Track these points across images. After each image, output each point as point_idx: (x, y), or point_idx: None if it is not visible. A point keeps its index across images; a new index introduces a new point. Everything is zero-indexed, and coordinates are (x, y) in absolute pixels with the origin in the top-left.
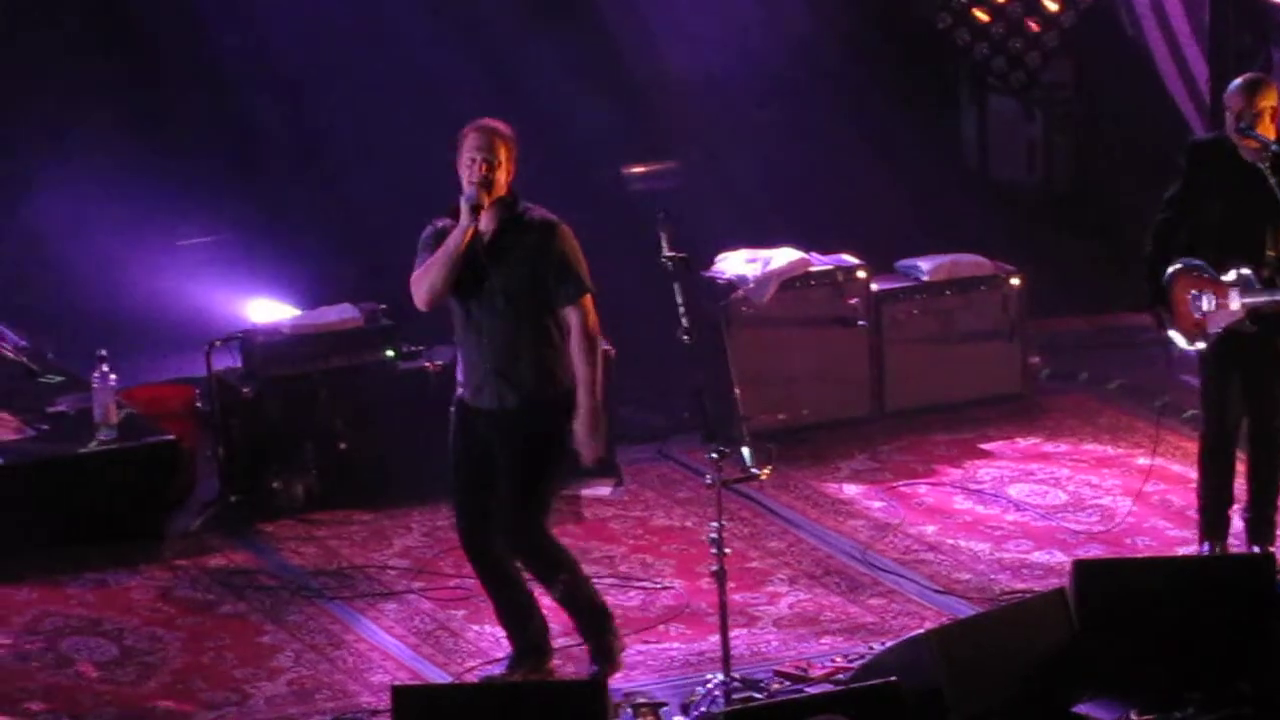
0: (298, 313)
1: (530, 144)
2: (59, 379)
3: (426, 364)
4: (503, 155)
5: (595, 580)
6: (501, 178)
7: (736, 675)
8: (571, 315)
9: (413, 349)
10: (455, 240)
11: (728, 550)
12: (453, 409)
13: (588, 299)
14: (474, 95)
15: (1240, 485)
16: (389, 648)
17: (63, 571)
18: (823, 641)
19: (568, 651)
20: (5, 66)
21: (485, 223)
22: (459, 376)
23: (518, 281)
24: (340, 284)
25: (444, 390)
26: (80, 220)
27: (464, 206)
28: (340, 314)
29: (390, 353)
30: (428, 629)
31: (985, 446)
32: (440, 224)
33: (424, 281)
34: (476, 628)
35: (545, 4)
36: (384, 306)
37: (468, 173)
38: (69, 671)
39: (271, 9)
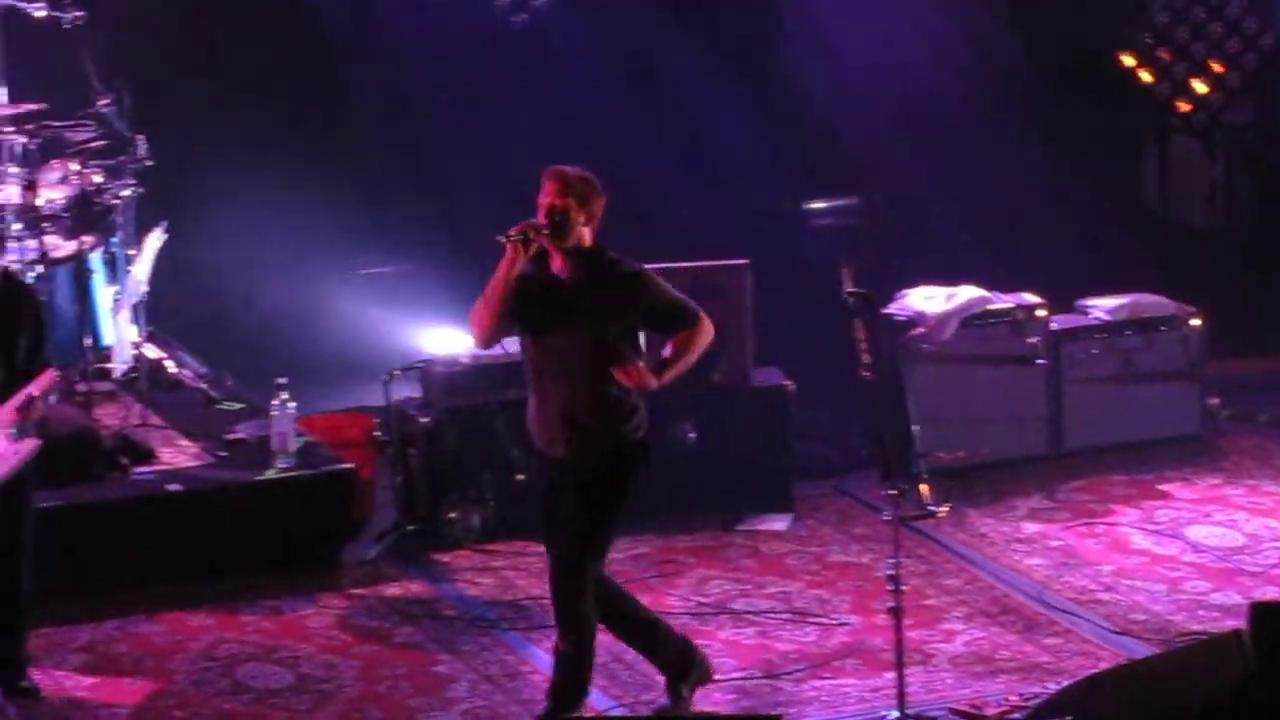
0: None
1: (713, 179)
2: (238, 406)
3: None
4: (573, 200)
5: (771, 615)
6: (576, 222)
7: (911, 713)
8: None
9: None
10: (499, 274)
11: (904, 587)
12: (534, 457)
13: (699, 319)
14: (652, 132)
15: None
16: None
17: (239, 598)
18: (998, 680)
19: (741, 686)
20: (194, 98)
21: (567, 272)
22: (531, 426)
23: (599, 334)
24: None
25: None
26: (264, 248)
27: (509, 241)
28: (518, 345)
29: None
30: (602, 661)
31: (1163, 487)
32: (529, 266)
33: (474, 320)
34: None
35: (723, 44)
36: None
37: (539, 214)
38: (244, 698)
39: (459, 44)
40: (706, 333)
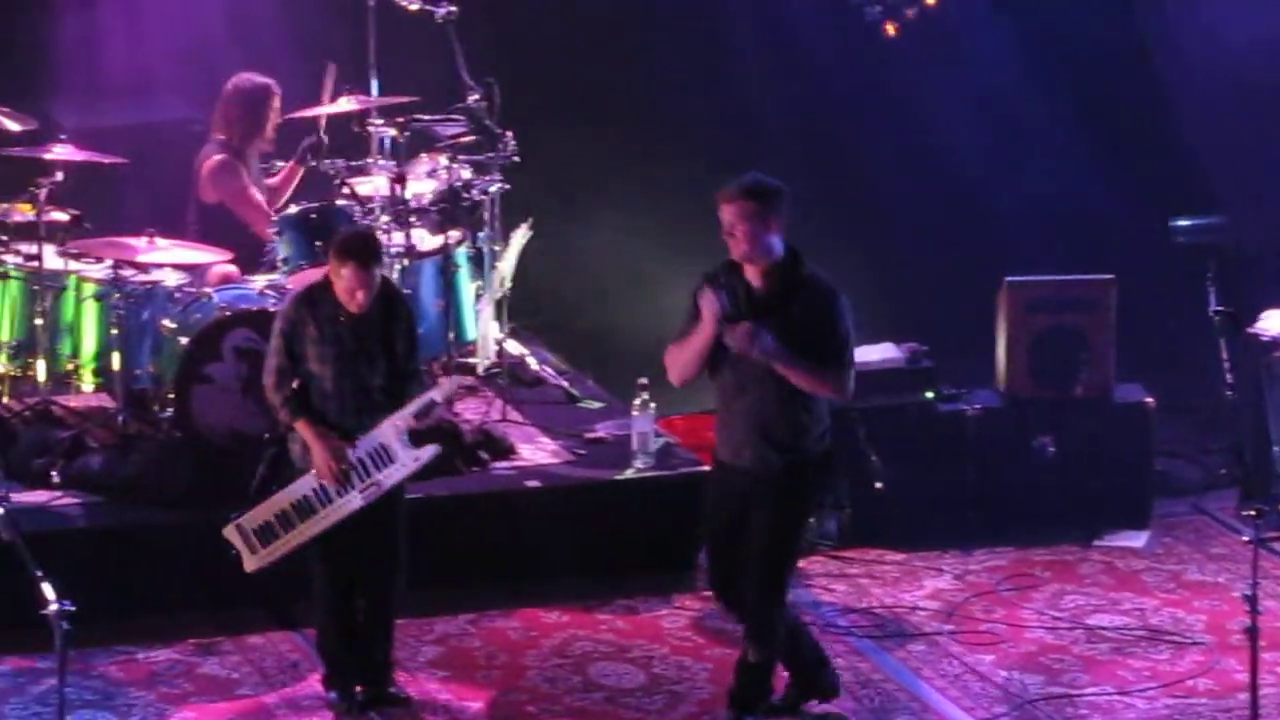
0: None
1: (1081, 194)
2: (598, 405)
3: (966, 408)
4: (735, 219)
5: (1125, 631)
6: (745, 244)
7: None
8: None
9: (953, 391)
10: (701, 342)
11: (1261, 609)
12: (710, 468)
13: (845, 375)
14: (1019, 147)
15: None
16: (916, 689)
17: (594, 596)
18: None
19: (1093, 701)
20: (563, 95)
21: (761, 281)
22: (718, 433)
23: (789, 344)
24: (882, 323)
25: (983, 435)
26: (628, 247)
27: (709, 308)
28: (882, 353)
29: (930, 394)
30: (955, 672)
31: None
32: (708, 290)
33: (675, 366)
34: (1005, 673)
35: (1087, 60)
36: (926, 347)
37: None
38: (596, 696)
39: (825, 48)
40: (838, 390)
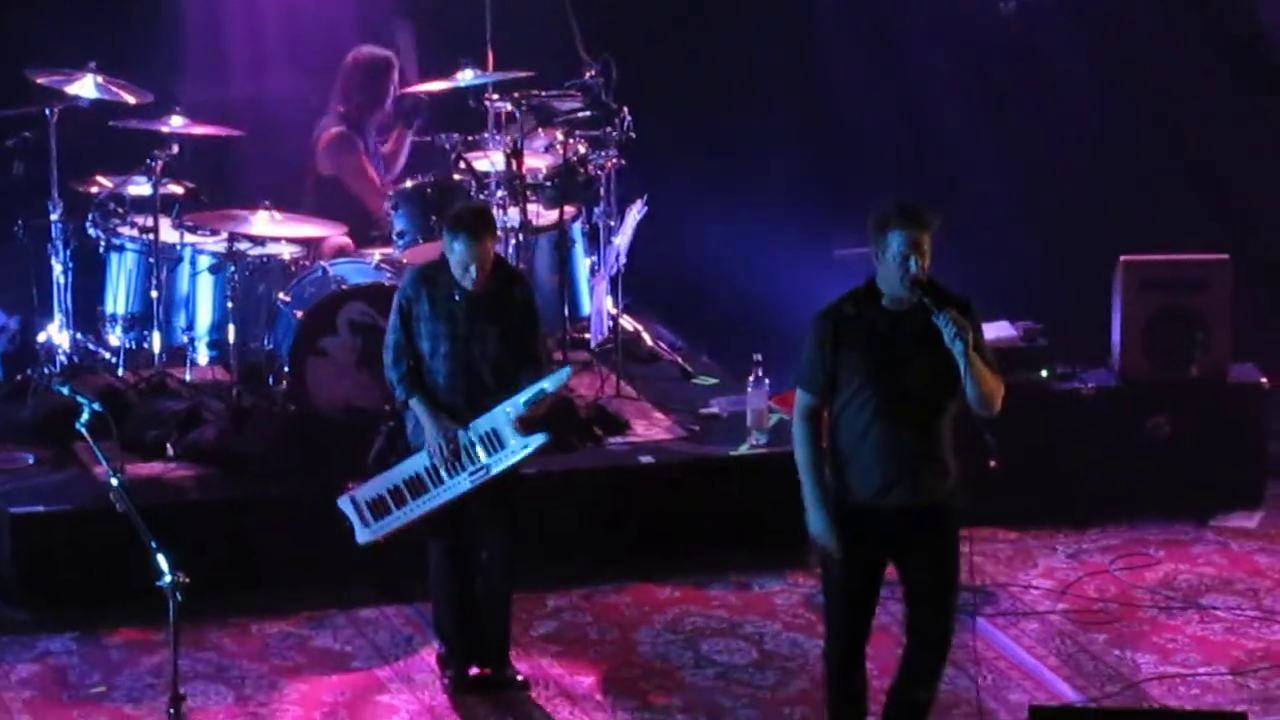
0: None
1: (1195, 174)
2: (713, 381)
3: (1080, 386)
4: (918, 243)
5: (1238, 611)
6: (923, 266)
7: None
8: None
9: (1068, 370)
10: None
11: None
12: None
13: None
14: (1134, 124)
15: None
16: (1028, 667)
17: (707, 573)
18: None
19: (1205, 682)
20: (677, 72)
21: (904, 305)
22: (845, 474)
23: (951, 363)
24: (998, 300)
25: (1097, 414)
26: (740, 224)
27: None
28: (997, 331)
29: (1044, 373)
30: (1068, 651)
31: None
32: (844, 309)
33: None
34: (1117, 651)
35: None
36: (1041, 326)
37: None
38: (707, 672)
39: (953, 30)
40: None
